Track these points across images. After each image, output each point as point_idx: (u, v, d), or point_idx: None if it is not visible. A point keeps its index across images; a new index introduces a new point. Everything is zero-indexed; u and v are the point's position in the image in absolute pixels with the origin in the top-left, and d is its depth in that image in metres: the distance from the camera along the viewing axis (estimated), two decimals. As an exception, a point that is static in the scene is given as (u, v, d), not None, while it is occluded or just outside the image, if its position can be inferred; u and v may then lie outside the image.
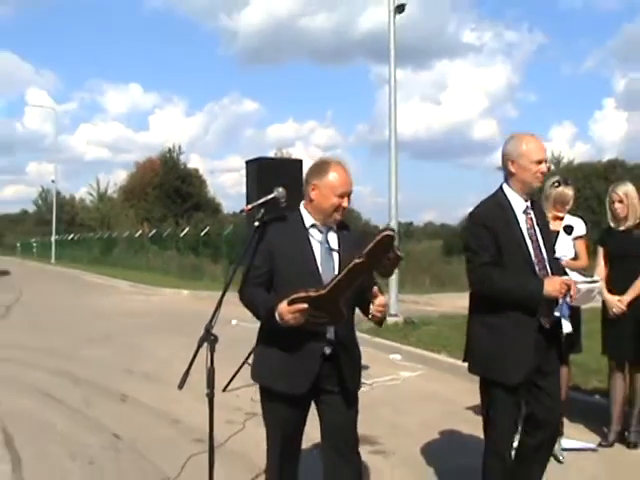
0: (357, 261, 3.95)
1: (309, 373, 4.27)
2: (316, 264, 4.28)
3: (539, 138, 4.77)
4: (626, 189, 6.82)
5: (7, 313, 18.17)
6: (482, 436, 6.75)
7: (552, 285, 4.46)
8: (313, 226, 4.37)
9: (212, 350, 4.52)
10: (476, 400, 8.45)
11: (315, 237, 4.35)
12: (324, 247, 4.33)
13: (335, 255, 4.34)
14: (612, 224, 6.92)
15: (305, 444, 4.57)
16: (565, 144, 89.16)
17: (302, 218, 4.44)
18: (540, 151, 4.68)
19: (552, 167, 54.06)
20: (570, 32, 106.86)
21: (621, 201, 6.78)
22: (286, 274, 4.26)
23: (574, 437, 6.95)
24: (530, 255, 4.61)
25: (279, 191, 5.86)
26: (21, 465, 6.24)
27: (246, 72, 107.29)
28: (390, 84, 16.38)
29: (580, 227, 6.97)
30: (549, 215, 6.96)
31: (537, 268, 4.61)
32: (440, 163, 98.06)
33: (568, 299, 4.74)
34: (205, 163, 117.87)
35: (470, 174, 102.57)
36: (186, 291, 23.98)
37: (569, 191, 6.95)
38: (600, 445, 6.77)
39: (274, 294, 4.23)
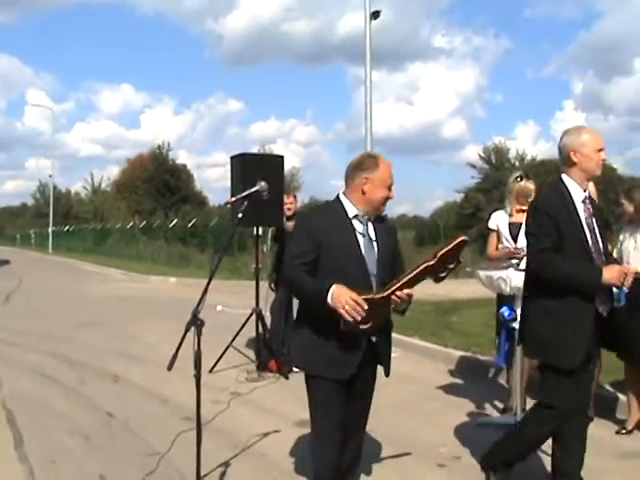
0: (429, 263, 3.97)
1: (356, 358, 4.19)
2: (362, 254, 4.20)
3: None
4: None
5: (8, 300, 18.07)
6: (451, 412, 6.78)
7: (611, 273, 4.42)
8: (355, 217, 4.27)
9: (199, 334, 4.53)
10: (445, 380, 8.54)
11: (357, 228, 4.26)
12: (366, 238, 4.26)
13: (375, 245, 4.29)
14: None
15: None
16: (529, 142, 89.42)
17: (345, 208, 4.29)
18: (600, 140, 4.67)
19: (517, 163, 54.32)
20: (533, 38, 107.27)
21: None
22: (333, 263, 4.13)
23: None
24: (588, 243, 4.54)
25: (261, 185, 5.88)
26: (23, 442, 6.22)
27: (231, 73, 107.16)
28: (366, 85, 16.40)
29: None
30: (512, 208, 7.01)
31: (594, 256, 4.55)
32: (413, 159, 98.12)
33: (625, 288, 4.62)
34: (192, 159, 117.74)
35: (440, 170, 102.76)
36: (174, 279, 23.91)
37: (531, 185, 6.99)
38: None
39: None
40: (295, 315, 4.50)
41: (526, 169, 45.15)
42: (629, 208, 6.46)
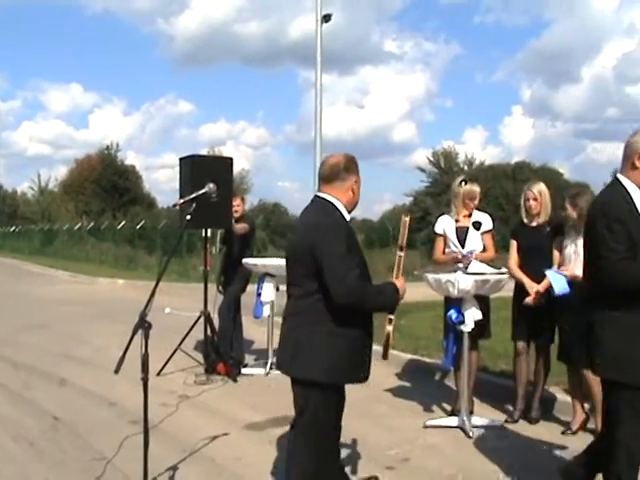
0: (402, 255, 4.58)
1: (369, 360, 4.34)
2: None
3: None
4: (540, 188, 6.94)
5: (-52, 302, 17.72)
6: (399, 415, 6.80)
7: None
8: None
9: (146, 336, 4.50)
10: (394, 383, 8.58)
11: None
12: None
13: None
14: (525, 220, 7.01)
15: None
16: (478, 147, 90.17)
17: (340, 211, 4.30)
18: None
19: (465, 168, 54.81)
20: (483, 44, 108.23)
21: (535, 199, 6.88)
22: (362, 267, 4.23)
23: (483, 415, 7.09)
24: None
25: (210, 187, 5.86)
26: (-36, 447, 6.11)
27: (182, 74, 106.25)
28: (316, 88, 16.49)
29: (487, 222, 7.10)
30: (458, 212, 7.07)
31: None
32: (362, 163, 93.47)
33: None
34: (141, 160, 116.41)
35: (389, 173, 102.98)
36: (122, 281, 23.67)
37: (476, 187, 7.08)
38: (506, 422, 6.89)
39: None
40: (316, 329, 4.17)
41: (475, 173, 45.77)
42: (573, 214, 6.54)
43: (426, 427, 6.72)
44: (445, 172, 53.99)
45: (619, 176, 4.35)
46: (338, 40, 70.05)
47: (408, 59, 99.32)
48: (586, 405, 6.66)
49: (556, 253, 6.75)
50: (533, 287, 6.72)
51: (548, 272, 6.52)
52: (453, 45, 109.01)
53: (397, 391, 8.27)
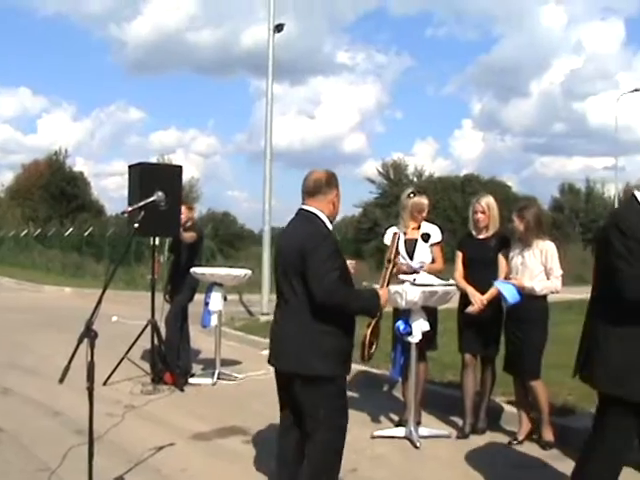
0: (390, 267, 5.22)
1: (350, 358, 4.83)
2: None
3: None
4: (488, 201, 6.99)
5: None
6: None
7: None
8: None
9: (92, 345, 4.46)
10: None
11: None
12: None
13: None
14: (473, 232, 7.06)
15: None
16: (428, 159, 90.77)
17: (325, 222, 4.74)
18: None
19: (415, 179, 55.18)
20: (435, 57, 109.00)
21: (483, 212, 6.93)
22: (343, 272, 4.61)
23: (430, 425, 7.12)
24: None
25: (159, 195, 5.83)
26: None
27: (133, 81, 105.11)
28: (267, 97, 16.51)
29: (436, 234, 7.13)
30: (406, 224, 7.09)
31: None
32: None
33: None
34: (90, 166, 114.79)
35: (339, 184, 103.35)
36: (69, 288, 23.36)
37: (424, 200, 7.10)
38: (458, 437, 6.91)
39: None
40: (315, 329, 4.56)
41: (424, 185, 46.07)
42: (520, 226, 6.62)
43: (374, 437, 6.73)
44: (394, 184, 54.31)
45: (636, 193, 4.27)
46: (290, 50, 70.09)
47: (360, 70, 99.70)
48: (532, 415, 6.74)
49: (503, 264, 6.83)
50: (476, 296, 6.78)
51: (497, 283, 6.58)
52: (405, 57, 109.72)
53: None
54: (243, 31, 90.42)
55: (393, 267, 5.65)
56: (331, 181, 4.82)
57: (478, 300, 6.75)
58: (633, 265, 4.00)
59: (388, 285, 5.31)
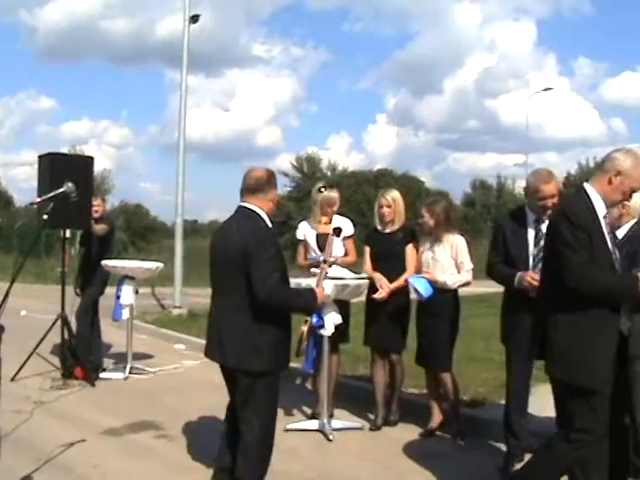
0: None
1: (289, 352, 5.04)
2: None
3: None
4: (393, 195, 7.03)
5: None
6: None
7: None
8: None
9: (-1, 340, 4.35)
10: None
11: None
12: None
13: None
14: (379, 227, 7.10)
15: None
16: (342, 153, 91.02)
17: (265, 221, 4.90)
18: None
19: (329, 173, 55.38)
20: (351, 52, 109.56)
21: (389, 206, 6.97)
22: (284, 271, 4.86)
23: (343, 418, 7.18)
24: (613, 258, 4.28)
25: (69, 186, 5.71)
26: None
27: (44, 69, 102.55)
28: (182, 89, 16.37)
29: (348, 227, 7.15)
30: (318, 219, 7.10)
31: (618, 270, 4.34)
32: (226, 166, 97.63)
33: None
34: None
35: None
36: (-25, 282, 22.80)
37: (334, 194, 7.10)
38: (370, 429, 6.97)
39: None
40: (248, 323, 4.72)
41: (338, 179, 46.26)
42: (430, 221, 6.70)
43: (287, 431, 6.72)
44: (308, 177, 54.35)
45: (586, 186, 4.36)
46: (206, 41, 69.56)
47: (276, 63, 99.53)
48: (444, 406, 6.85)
49: (412, 257, 6.92)
50: (382, 280, 6.83)
51: (410, 278, 6.64)
52: (321, 51, 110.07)
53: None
54: (158, 21, 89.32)
55: (329, 266, 5.92)
56: (271, 180, 4.97)
57: (384, 285, 6.80)
58: (579, 253, 4.11)
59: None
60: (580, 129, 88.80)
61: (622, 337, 4.34)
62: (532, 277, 5.37)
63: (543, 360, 4.47)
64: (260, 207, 4.85)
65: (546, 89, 49.34)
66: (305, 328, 5.60)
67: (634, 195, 4.69)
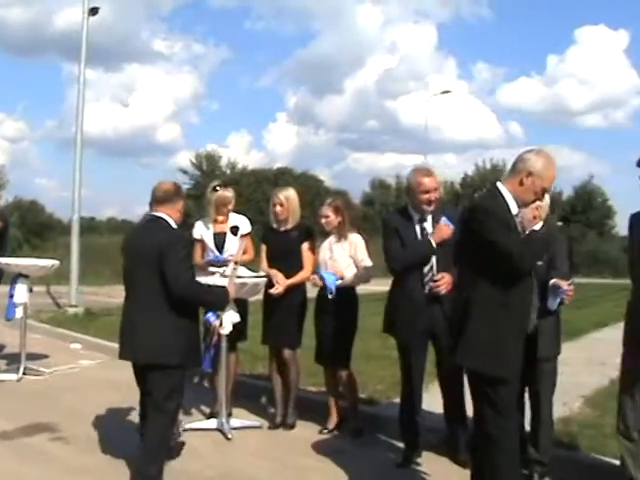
0: None
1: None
2: None
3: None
4: (287, 194, 7.02)
5: None
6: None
7: None
8: None
9: None
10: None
11: None
12: None
13: None
14: (274, 225, 7.10)
15: None
16: (242, 151, 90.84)
17: (174, 227, 5.40)
18: (552, 184, 4.45)
19: (228, 171, 55.21)
20: (252, 50, 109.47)
21: (282, 204, 6.96)
22: (194, 271, 5.55)
23: (242, 417, 7.16)
24: None
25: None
26: None
27: None
28: (80, 82, 16.06)
29: (245, 225, 7.12)
30: (214, 218, 7.07)
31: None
32: (125, 162, 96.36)
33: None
34: None
35: (152, 174, 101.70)
36: None
37: (228, 193, 7.07)
38: (269, 428, 6.98)
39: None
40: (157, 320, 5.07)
41: (237, 177, 46.09)
42: (335, 220, 6.73)
43: (185, 430, 6.66)
44: (207, 175, 54.16)
45: (499, 185, 4.37)
46: (105, 35, 68.24)
47: (177, 60, 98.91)
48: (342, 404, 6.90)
49: (309, 255, 6.95)
50: (278, 276, 6.82)
51: (322, 272, 6.66)
52: (222, 49, 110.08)
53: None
54: (56, 12, 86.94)
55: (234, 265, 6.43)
56: (179, 192, 5.50)
57: (280, 280, 6.79)
58: (509, 234, 4.16)
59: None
60: (478, 132, 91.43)
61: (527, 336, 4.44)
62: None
63: (455, 352, 4.41)
64: (169, 215, 5.28)
65: (445, 92, 50.47)
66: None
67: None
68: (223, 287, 5.82)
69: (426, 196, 5.77)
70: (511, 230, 4.19)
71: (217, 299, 5.76)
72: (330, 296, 6.56)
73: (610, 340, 11.81)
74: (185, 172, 56.66)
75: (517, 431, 4.55)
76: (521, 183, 4.28)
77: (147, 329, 5.06)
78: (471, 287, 4.31)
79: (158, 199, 5.34)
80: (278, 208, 6.99)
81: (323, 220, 6.80)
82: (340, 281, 6.60)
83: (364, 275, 6.73)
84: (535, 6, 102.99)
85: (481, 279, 4.24)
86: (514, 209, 4.29)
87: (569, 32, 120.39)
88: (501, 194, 4.31)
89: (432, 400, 6.29)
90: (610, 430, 6.26)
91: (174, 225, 5.29)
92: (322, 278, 6.60)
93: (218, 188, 7.04)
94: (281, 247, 6.99)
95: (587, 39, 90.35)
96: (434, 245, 5.76)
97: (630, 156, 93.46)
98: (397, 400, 6.44)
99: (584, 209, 62.27)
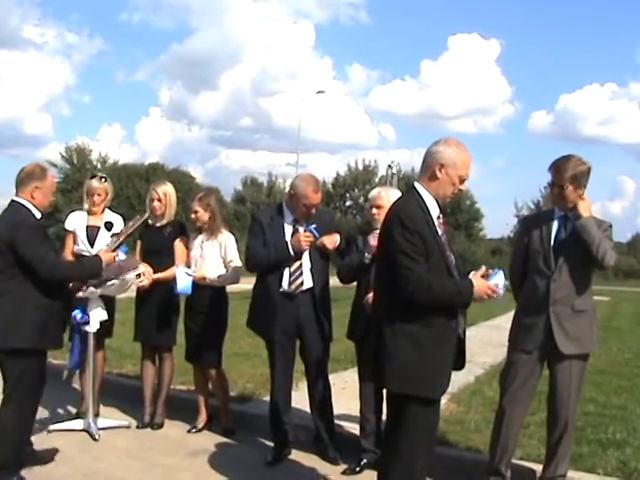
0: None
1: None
2: None
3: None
4: (165, 189, 6.94)
5: None
6: None
7: (482, 287, 4.03)
8: None
9: None
10: None
11: None
12: None
13: None
14: (150, 221, 6.96)
15: None
16: (113, 145, 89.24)
17: (33, 212, 5.33)
18: (470, 169, 4.17)
19: (99, 165, 54.18)
20: (127, 43, 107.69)
21: (160, 200, 6.87)
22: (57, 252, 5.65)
23: (109, 416, 7.00)
24: (449, 261, 4.08)
25: None
26: None
27: None
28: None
29: (119, 223, 6.98)
30: (89, 210, 6.91)
31: (454, 274, 4.10)
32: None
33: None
34: None
35: (19, 165, 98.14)
36: None
37: (96, 183, 6.91)
38: (137, 427, 6.86)
39: None
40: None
41: (108, 172, 45.27)
42: (205, 215, 6.67)
43: (50, 432, 6.47)
44: (77, 169, 53.05)
45: (416, 185, 4.17)
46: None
47: (49, 49, 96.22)
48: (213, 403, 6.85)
49: (180, 251, 6.86)
50: (146, 272, 6.66)
51: (179, 269, 6.57)
52: (97, 40, 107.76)
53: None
54: None
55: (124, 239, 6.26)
56: (43, 173, 5.36)
57: (147, 274, 6.66)
58: (417, 261, 3.91)
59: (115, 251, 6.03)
60: (351, 132, 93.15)
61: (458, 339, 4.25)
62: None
63: (376, 374, 4.18)
64: (29, 200, 5.23)
65: (319, 92, 50.99)
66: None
67: (392, 196, 4.91)
68: (96, 255, 5.86)
69: (307, 210, 5.86)
70: (426, 242, 3.95)
71: (91, 269, 5.72)
72: (175, 290, 6.56)
73: (475, 338, 12.25)
74: (54, 165, 55.10)
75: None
76: (435, 177, 4.08)
77: (8, 314, 5.12)
78: (392, 304, 4.04)
79: (19, 182, 5.33)
80: (156, 203, 6.89)
81: (193, 215, 6.76)
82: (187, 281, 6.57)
83: (232, 277, 6.70)
84: (411, 12, 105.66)
85: (401, 296, 3.96)
86: (434, 211, 4.09)
87: (443, 39, 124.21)
88: (420, 195, 4.11)
89: (303, 398, 6.31)
90: (474, 426, 6.48)
91: (33, 209, 5.27)
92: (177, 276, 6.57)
93: (95, 180, 6.91)
94: (154, 243, 6.87)
95: (460, 46, 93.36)
96: (291, 252, 5.80)
97: (497, 162, 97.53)
98: (267, 398, 6.44)
99: (453, 211, 63.88)
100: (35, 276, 5.09)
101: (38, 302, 5.14)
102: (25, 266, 5.06)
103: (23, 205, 5.24)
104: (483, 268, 4.18)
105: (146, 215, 6.59)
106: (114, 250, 5.98)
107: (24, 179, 5.30)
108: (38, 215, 5.32)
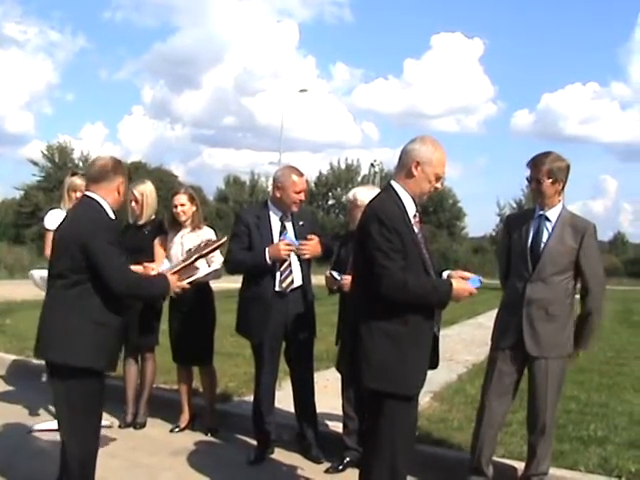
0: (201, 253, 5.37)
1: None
2: None
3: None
4: (142, 188, 6.90)
5: None
6: (2, 418, 6.43)
7: (462, 287, 4.09)
8: None
9: None
10: (-3, 386, 8.12)
11: None
12: None
13: None
14: (130, 220, 6.98)
15: None
16: (96, 143, 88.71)
17: (107, 211, 4.58)
18: (445, 166, 4.20)
19: (81, 164, 53.88)
20: (110, 41, 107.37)
21: (137, 201, 6.85)
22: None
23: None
24: (425, 259, 4.10)
25: None
26: None
27: None
28: None
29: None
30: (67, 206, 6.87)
31: (431, 273, 4.12)
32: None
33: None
34: None
35: (1, 164, 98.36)
36: None
37: (79, 180, 6.84)
38: (120, 427, 6.84)
39: None
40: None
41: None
42: (191, 208, 6.67)
43: (31, 432, 6.44)
44: (59, 167, 52.82)
45: (393, 183, 4.19)
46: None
47: (31, 47, 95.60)
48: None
49: (160, 251, 6.84)
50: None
51: (164, 264, 6.54)
52: (79, 38, 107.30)
53: (1, 395, 7.86)
54: None
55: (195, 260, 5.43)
56: (117, 168, 4.62)
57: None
58: (393, 259, 3.94)
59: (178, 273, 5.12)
60: (334, 131, 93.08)
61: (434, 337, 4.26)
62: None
63: (353, 371, 4.24)
64: (102, 197, 4.53)
65: (302, 90, 50.94)
66: None
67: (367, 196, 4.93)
68: (164, 275, 4.95)
69: (298, 196, 5.86)
70: (403, 240, 3.98)
71: (159, 291, 4.88)
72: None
73: (457, 337, 12.31)
74: (35, 163, 54.93)
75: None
76: (411, 175, 4.11)
77: (54, 325, 4.59)
78: (369, 302, 4.06)
79: (92, 178, 4.63)
80: (133, 204, 6.87)
81: (179, 209, 6.71)
82: None
83: (213, 273, 6.65)
84: (395, 11, 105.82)
85: (378, 294, 3.98)
86: (411, 209, 4.12)
87: (426, 38, 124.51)
88: (396, 194, 4.13)
89: (286, 397, 6.31)
90: (457, 424, 6.51)
91: (108, 208, 4.54)
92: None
93: (75, 176, 6.84)
94: (134, 242, 6.79)
95: (443, 45, 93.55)
96: (268, 260, 5.77)
97: (480, 161, 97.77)
98: (250, 397, 6.44)
99: (435, 210, 64.03)
100: (102, 286, 4.36)
101: (100, 317, 4.41)
102: (93, 274, 4.34)
103: (97, 201, 4.53)
104: (459, 272, 4.29)
105: (223, 239, 6.07)
106: (177, 272, 5.12)
107: (107, 173, 4.57)
108: (112, 215, 4.59)
